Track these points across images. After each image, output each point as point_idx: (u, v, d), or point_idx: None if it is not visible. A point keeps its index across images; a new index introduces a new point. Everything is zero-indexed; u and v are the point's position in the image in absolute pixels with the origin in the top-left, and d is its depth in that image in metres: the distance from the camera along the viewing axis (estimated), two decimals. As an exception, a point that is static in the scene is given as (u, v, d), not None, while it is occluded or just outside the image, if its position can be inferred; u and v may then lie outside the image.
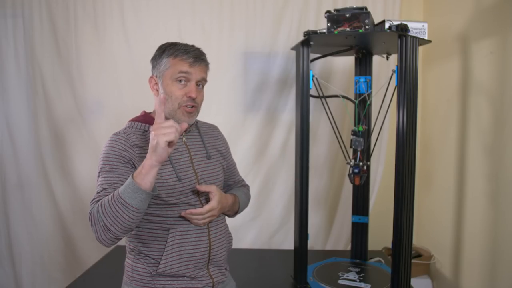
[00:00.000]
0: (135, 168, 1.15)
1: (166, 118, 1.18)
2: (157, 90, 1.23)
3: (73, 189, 2.37)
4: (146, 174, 1.03)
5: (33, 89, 2.34)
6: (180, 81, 1.19)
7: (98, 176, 1.15)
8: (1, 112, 2.38)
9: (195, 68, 1.20)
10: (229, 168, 1.46)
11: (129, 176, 1.06)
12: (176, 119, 1.19)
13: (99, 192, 1.12)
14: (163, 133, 1.01)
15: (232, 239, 1.38)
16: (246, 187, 1.54)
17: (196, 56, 1.21)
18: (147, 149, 1.08)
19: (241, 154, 2.30)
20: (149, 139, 1.13)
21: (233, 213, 1.40)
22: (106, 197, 1.06)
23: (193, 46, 1.24)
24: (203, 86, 1.26)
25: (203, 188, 1.22)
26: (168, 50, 1.21)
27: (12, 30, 2.32)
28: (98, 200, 1.09)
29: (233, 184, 1.50)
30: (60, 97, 2.33)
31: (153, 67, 1.25)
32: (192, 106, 1.21)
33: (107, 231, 1.04)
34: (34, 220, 2.40)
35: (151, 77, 1.25)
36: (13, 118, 2.38)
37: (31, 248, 2.42)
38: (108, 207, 1.03)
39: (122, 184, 1.09)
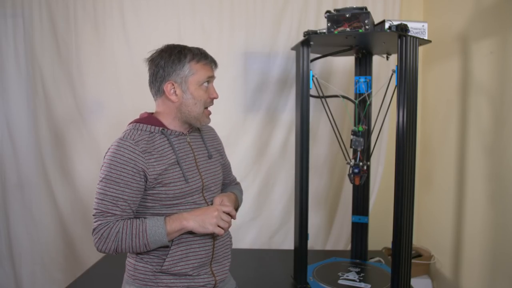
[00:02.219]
0: (146, 175, 1.15)
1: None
2: (177, 95, 1.22)
3: (73, 189, 2.37)
4: (179, 231, 1.16)
5: (33, 89, 2.34)
6: (206, 85, 1.25)
7: (101, 181, 1.14)
8: (1, 112, 2.38)
9: (213, 71, 1.27)
10: (226, 168, 1.48)
11: (134, 187, 1.14)
12: (200, 121, 1.26)
13: (103, 201, 1.13)
14: (219, 224, 1.17)
15: (231, 238, 1.39)
16: (239, 184, 1.57)
17: (213, 60, 1.27)
18: (155, 154, 1.17)
19: (241, 154, 2.31)
20: (156, 141, 1.19)
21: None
22: (127, 227, 1.12)
23: (199, 48, 1.26)
24: None
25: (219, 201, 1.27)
26: (185, 54, 1.21)
27: (12, 30, 2.32)
28: (109, 215, 1.13)
29: (228, 183, 1.52)
30: (60, 97, 2.33)
31: (168, 72, 1.21)
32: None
33: (114, 251, 1.14)
34: (34, 220, 2.41)
35: (169, 83, 1.21)
36: (13, 118, 2.38)
37: (31, 248, 2.42)
38: (130, 240, 1.12)
39: (127, 198, 1.13)
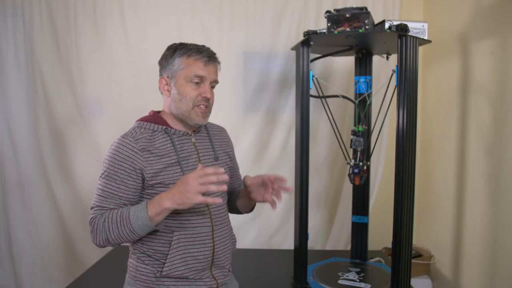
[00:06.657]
0: (143, 174, 1.15)
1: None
2: (168, 91, 1.22)
3: (73, 189, 2.37)
4: (161, 214, 1.09)
5: (33, 89, 2.34)
6: (197, 82, 1.20)
7: (101, 177, 1.16)
8: (1, 112, 2.38)
9: (209, 69, 1.21)
10: (234, 171, 1.46)
11: (130, 184, 1.14)
12: (190, 119, 1.21)
13: (100, 196, 1.15)
14: (200, 190, 1.04)
15: (236, 241, 1.38)
16: None
17: (210, 55, 1.21)
18: (155, 153, 1.16)
19: (241, 154, 2.29)
20: (157, 140, 1.19)
21: (250, 208, 1.39)
22: (113, 215, 1.11)
23: (204, 45, 1.24)
24: (213, 88, 1.26)
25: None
26: (179, 49, 1.21)
27: (12, 30, 2.32)
28: (100, 209, 1.14)
29: (238, 187, 1.48)
30: (60, 97, 2.33)
31: (163, 67, 1.23)
32: (206, 107, 1.22)
33: (107, 243, 1.13)
34: (34, 220, 2.40)
35: (161, 78, 1.24)
36: (13, 118, 2.38)
37: (31, 248, 2.42)
38: (116, 228, 1.10)
39: (122, 195, 1.14)
